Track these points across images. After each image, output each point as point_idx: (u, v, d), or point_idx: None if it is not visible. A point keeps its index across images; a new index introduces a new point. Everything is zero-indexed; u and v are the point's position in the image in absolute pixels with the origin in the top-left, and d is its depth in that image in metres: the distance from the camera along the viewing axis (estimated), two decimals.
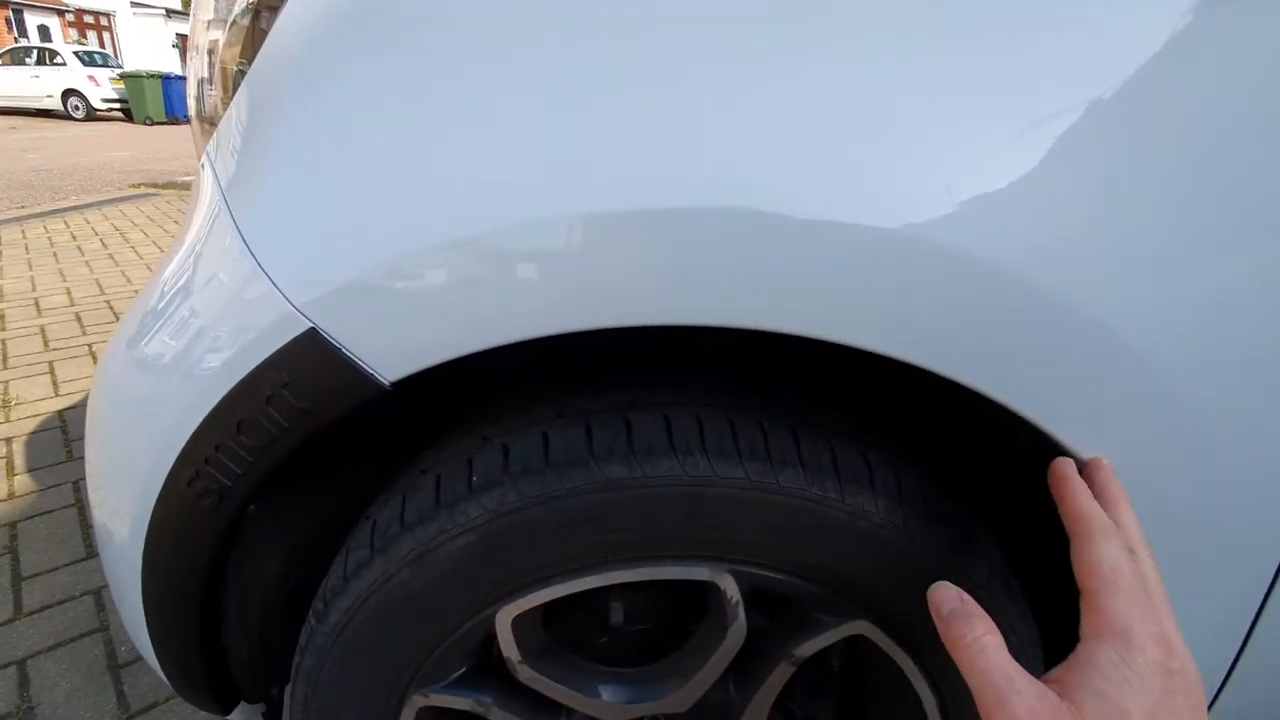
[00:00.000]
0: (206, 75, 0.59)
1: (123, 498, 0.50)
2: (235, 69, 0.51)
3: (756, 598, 0.49)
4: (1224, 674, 0.51)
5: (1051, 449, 0.42)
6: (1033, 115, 0.35)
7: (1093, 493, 0.39)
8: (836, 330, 0.38)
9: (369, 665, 0.50)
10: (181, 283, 0.48)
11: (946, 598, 0.38)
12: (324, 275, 0.39)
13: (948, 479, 0.50)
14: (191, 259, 0.49)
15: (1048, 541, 0.56)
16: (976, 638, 0.35)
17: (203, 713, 0.97)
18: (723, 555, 0.47)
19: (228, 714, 0.61)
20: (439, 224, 0.37)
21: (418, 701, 0.52)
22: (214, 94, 0.57)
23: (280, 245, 0.41)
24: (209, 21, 0.61)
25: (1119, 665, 0.32)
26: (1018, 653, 0.49)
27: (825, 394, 0.54)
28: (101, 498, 0.55)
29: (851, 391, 0.55)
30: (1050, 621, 0.53)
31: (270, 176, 0.42)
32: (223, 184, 0.47)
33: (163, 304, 0.50)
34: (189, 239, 0.50)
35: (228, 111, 0.50)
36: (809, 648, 0.50)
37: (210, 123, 0.56)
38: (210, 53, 0.59)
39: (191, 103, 0.64)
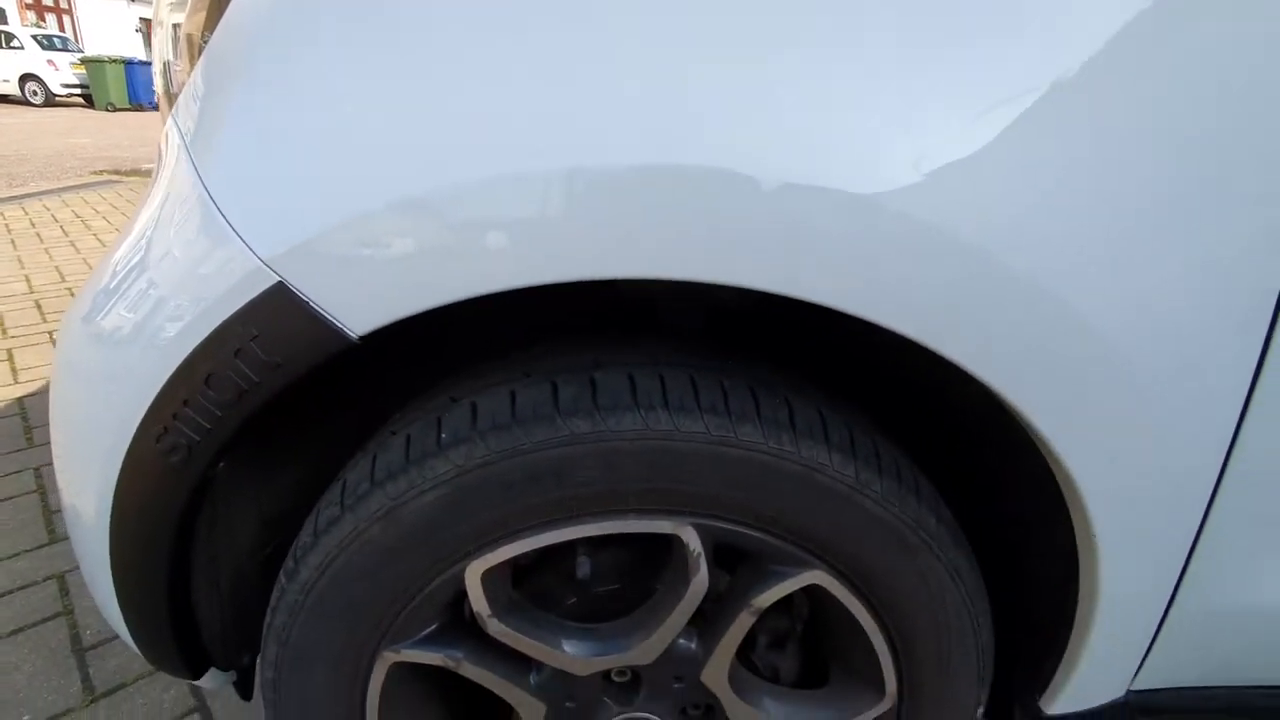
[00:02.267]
0: (172, 53, 0.59)
1: (90, 459, 0.50)
2: (201, 39, 0.51)
3: (717, 550, 0.51)
4: (1153, 631, 0.53)
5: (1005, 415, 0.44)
6: (1001, 95, 0.37)
7: None
8: (792, 287, 0.39)
9: (340, 622, 0.51)
10: (145, 241, 0.48)
11: None
12: (291, 229, 0.40)
13: (899, 436, 0.53)
14: (154, 219, 0.49)
15: (990, 498, 0.59)
16: None
17: (169, 694, 0.97)
18: (684, 508, 0.49)
19: (198, 679, 0.62)
20: (406, 177, 0.38)
21: (389, 658, 0.53)
22: (180, 68, 0.56)
23: (246, 199, 0.41)
24: (171, 1, 0.60)
25: None
26: (966, 598, 0.52)
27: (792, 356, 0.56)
28: (67, 464, 0.54)
29: (816, 355, 0.57)
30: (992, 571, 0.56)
31: (236, 130, 0.43)
32: (187, 139, 0.47)
33: (126, 265, 0.50)
34: (155, 198, 0.50)
35: (194, 70, 0.50)
36: (768, 598, 0.52)
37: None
38: (175, 28, 0.58)
39: (158, 80, 0.63)
